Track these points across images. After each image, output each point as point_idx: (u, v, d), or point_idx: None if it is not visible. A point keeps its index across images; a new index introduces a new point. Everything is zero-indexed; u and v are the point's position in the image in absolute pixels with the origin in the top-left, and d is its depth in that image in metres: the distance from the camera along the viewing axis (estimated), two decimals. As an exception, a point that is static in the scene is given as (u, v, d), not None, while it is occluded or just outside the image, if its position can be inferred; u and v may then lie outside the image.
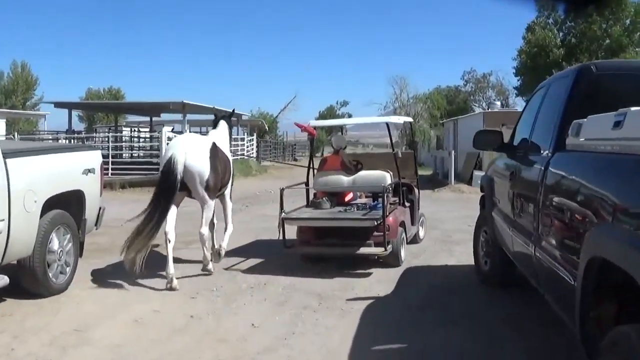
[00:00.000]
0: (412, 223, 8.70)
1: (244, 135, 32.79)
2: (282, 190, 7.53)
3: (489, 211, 5.98)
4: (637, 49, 35.52)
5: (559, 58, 36.21)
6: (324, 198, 8.08)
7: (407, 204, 8.37)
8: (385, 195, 7.21)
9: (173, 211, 6.79)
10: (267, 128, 45.10)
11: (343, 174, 8.23)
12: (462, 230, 10.06)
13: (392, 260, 7.45)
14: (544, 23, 38.85)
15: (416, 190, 8.97)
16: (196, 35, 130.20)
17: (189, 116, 31.73)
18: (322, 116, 71.83)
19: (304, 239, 7.71)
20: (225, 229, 7.74)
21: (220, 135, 7.86)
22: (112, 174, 18.95)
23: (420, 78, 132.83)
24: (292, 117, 50.32)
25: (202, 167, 6.81)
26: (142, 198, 16.46)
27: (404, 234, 7.80)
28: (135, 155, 27.54)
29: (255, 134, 36.72)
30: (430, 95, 45.96)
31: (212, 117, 9.05)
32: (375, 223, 7.08)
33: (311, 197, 8.43)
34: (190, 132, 26.35)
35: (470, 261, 7.13)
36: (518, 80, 42.12)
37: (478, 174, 19.60)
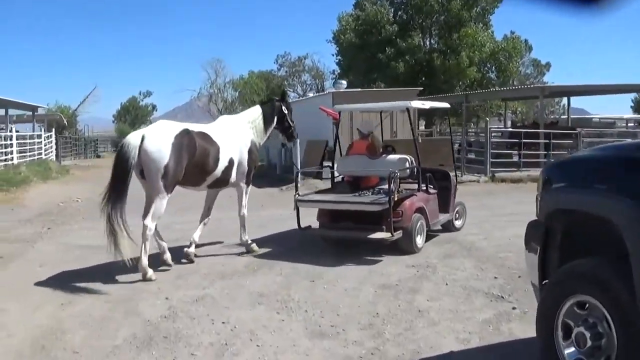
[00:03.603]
0: (445, 211, 8.45)
1: (40, 131, 27.99)
2: (296, 172, 7.94)
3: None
4: (477, 24, 34.34)
5: (392, 35, 34.15)
6: (343, 182, 8.30)
7: (432, 191, 8.09)
8: (393, 180, 7.01)
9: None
10: (65, 123, 39.98)
11: (366, 158, 8.14)
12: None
13: (405, 247, 7.29)
14: (374, -1, 36.31)
15: (452, 178, 8.78)
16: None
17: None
18: (123, 108, 66.39)
19: (321, 222, 7.82)
20: (240, 215, 7.65)
21: (221, 122, 7.70)
22: None
23: (232, 63, 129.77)
24: (93, 110, 45.59)
25: (159, 152, 6.33)
26: None
27: (422, 221, 7.57)
28: None
29: (53, 130, 31.84)
30: (248, 79, 43.83)
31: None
32: (380, 207, 7.04)
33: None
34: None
35: (491, 337, 4.64)
36: (337, 63, 40.10)
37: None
